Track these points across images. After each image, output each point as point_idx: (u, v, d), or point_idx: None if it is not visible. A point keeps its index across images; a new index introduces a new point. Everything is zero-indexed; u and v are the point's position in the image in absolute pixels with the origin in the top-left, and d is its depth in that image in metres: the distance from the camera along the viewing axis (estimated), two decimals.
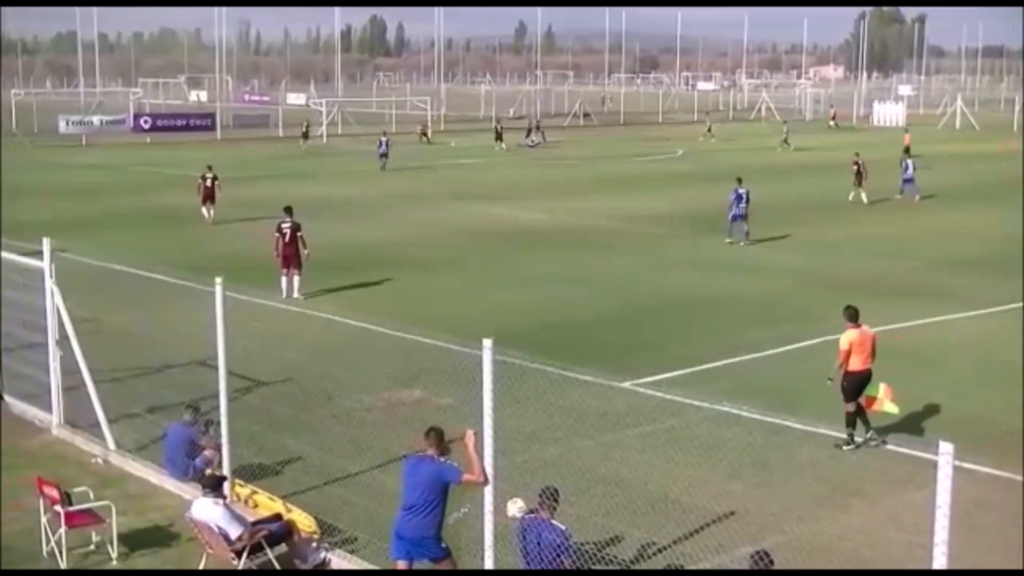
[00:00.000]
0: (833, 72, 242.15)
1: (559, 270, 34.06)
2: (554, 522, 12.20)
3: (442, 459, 12.38)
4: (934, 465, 8.95)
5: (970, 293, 30.23)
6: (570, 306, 29.23)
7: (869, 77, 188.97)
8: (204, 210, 43.90)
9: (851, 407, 18.46)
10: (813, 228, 42.42)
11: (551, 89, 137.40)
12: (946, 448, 8.87)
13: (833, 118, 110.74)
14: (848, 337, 18.57)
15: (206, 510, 13.81)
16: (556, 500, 12.37)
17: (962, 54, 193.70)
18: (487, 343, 12.06)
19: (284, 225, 30.13)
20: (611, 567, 13.58)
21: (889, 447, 18.25)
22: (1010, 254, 35.70)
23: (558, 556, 12.01)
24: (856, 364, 18.49)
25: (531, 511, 12.49)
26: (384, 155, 65.86)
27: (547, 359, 21.21)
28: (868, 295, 27.95)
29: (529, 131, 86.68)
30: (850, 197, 49.95)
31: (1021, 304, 28.21)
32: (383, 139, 67.42)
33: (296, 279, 29.93)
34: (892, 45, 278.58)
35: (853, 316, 18.79)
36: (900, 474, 17.01)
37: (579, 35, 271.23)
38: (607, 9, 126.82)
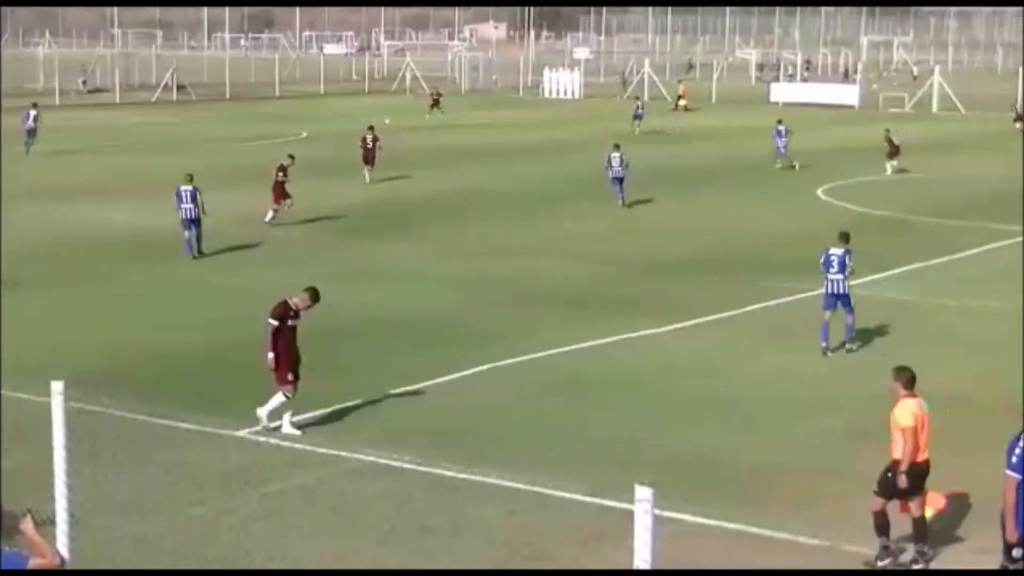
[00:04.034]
0: (495, 31, 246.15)
1: (144, 288, 33.34)
2: None
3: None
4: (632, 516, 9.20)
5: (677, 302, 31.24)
6: (165, 335, 28.35)
7: (538, 38, 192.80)
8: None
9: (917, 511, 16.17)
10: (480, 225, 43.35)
11: (134, 53, 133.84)
12: (643, 493, 9.14)
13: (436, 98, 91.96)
14: (911, 409, 15.96)
15: None
16: None
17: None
18: (56, 387, 11.74)
19: None
20: None
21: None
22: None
23: None
24: (919, 452, 15.99)
25: None
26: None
27: (143, 402, 20.82)
28: (553, 307, 28.62)
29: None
30: None
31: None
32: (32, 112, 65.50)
33: None
34: None
35: (910, 381, 16.22)
36: (593, 530, 17.36)
37: None
38: None
